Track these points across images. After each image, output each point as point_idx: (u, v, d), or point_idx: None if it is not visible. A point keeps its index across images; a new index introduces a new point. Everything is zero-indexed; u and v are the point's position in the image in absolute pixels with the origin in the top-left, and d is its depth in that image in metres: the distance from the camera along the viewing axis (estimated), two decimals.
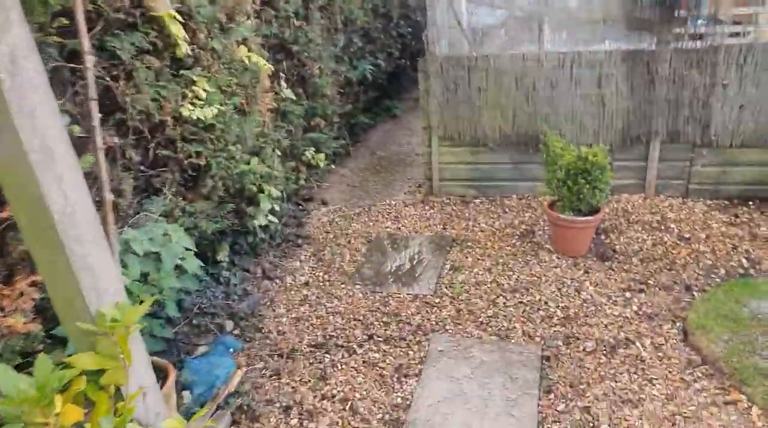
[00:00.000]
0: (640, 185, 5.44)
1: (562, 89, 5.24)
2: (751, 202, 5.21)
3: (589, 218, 4.58)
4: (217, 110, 3.63)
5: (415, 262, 4.93)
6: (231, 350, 3.97)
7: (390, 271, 4.83)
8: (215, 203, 4.02)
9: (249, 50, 4.09)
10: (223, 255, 4.55)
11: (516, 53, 5.27)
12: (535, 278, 4.56)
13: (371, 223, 5.66)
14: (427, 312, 4.28)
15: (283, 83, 4.91)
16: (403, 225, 5.58)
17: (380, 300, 4.47)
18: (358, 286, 4.66)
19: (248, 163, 4.17)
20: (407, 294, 4.52)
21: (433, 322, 4.16)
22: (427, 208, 5.87)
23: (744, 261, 4.51)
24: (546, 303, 4.27)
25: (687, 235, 4.87)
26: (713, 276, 4.39)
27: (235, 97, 3.92)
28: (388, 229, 5.53)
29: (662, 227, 5.03)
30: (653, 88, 5.01)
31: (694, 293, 4.23)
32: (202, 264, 3.74)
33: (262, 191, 4.37)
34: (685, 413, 3.27)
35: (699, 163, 5.19)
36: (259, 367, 3.89)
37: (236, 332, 4.19)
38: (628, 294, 4.28)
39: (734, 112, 4.89)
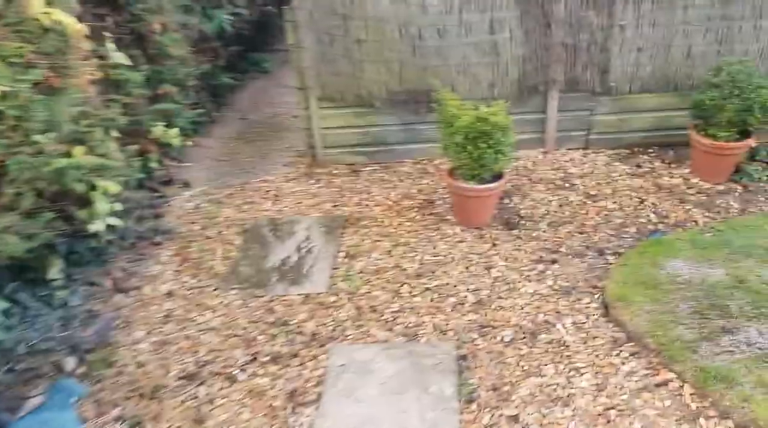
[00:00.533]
0: (540, 139, 5.04)
1: (452, 37, 4.62)
2: (650, 150, 4.99)
3: (493, 185, 4.08)
4: (1, 92, 2.60)
5: (303, 253, 4.21)
6: (73, 398, 3.07)
7: (273, 267, 4.09)
8: (25, 214, 3.02)
9: (49, 4, 3.02)
10: (55, 272, 3.56)
11: None
12: (441, 257, 4.03)
13: (246, 207, 4.82)
14: (322, 315, 3.62)
15: (110, 45, 3.85)
16: (285, 207, 4.80)
17: (264, 307, 3.73)
18: (234, 291, 3.88)
19: (68, 156, 3.17)
20: (296, 294, 3.81)
21: (330, 328, 3.51)
22: (312, 182, 5.11)
23: (652, 215, 4.26)
24: (455, 286, 3.76)
25: (593, 192, 4.55)
26: (624, 236, 4.10)
27: (34, 71, 2.89)
28: (267, 213, 4.73)
29: (566, 184, 4.68)
30: (549, 32, 4.52)
31: (608, 257, 3.92)
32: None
33: (94, 188, 3.40)
34: (618, 405, 2.92)
35: (599, 111, 4.85)
36: (114, 416, 3.05)
37: (81, 371, 3.29)
38: (540, 267, 3.88)
39: (632, 56, 4.55)
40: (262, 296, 3.82)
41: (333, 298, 3.75)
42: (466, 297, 3.67)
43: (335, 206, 4.72)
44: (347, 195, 4.86)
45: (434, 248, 4.12)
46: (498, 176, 4.13)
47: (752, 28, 4.35)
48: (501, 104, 3.92)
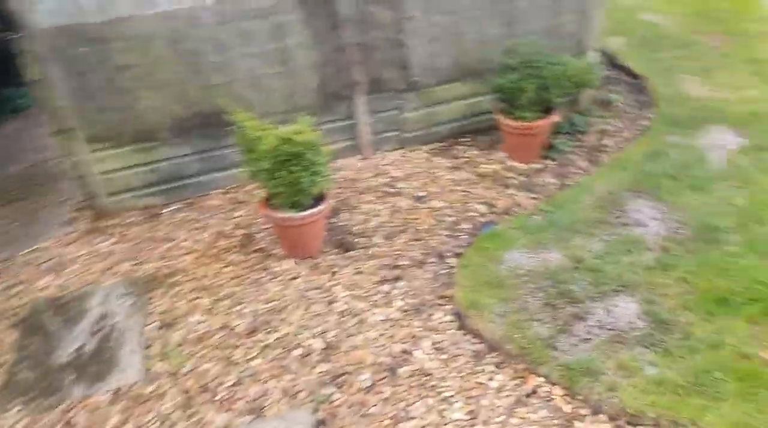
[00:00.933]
0: (356, 146, 4.70)
1: (234, 50, 4.04)
2: (465, 139, 4.92)
3: (317, 210, 3.63)
4: None
5: (102, 334, 3.38)
6: None
7: (66, 363, 3.21)
8: None
9: None
10: None
11: (160, 12, 3.82)
12: (275, 303, 3.49)
13: (16, 290, 3.79)
14: (140, 413, 2.88)
15: None
16: (70, 278, 3.86)
17: (61, 421, 2.88)
18: (17, 409, 2.96)
19: None
20: (103, 393, 3.01)
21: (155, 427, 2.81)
22: (101, 239, 4.20)
23: (481, 207, 4.14)
24: (298, 335, 3.26)
25: (421, 193, 4.33)
26: (460, 234, 3.92)
27: None
28: (46, 292, 3.76)
29: (393, 189, 4.40)
30: (339, 33, 4.16)
31: (450, 260, 3.71)
32: None
33: None
34: None
35: (408, 108, 4.64)
36: None
37: None
38: (386, 288, 3.53)
39: (428, 48, 4.39)
40: (57, 406, 2.96)
41: (151, 387, 3.02)
42: (312, 345, 3.19)
43: (135, 265, 3.91)
44: (148, 247, 4.06)
45: (265, 293, 3.56)
46: (320, 198, 3.69)
47: (535, 7, 4.43)
48: (305, 120, 3.46)
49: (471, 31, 4.42)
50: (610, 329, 3.07)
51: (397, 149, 4.82)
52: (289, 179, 3.41)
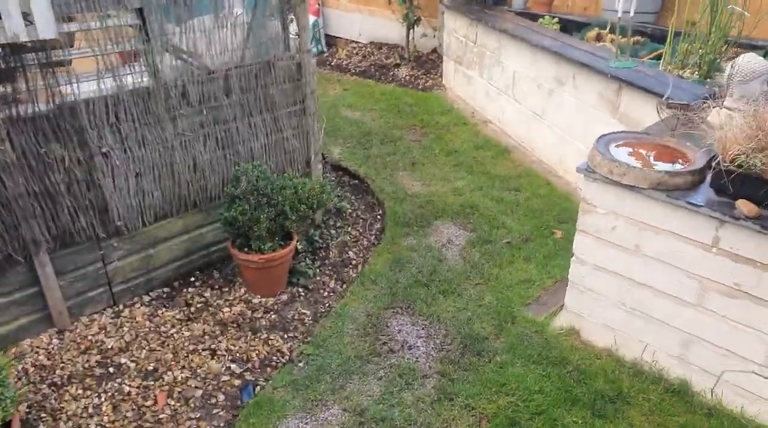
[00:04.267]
0: (46, 318, 3.51)
1: None
2: (193, 278, 4.12)
3: None
4: None
5: None
6: None
7: None
8: None
9: None
10: None
11: None
12: None
13: None
14: None
15: None
16: None
17: None
18: None
19: None
20: None
21: None
22: None
23: (233, 365, 3.40)
24: None
25: (151, 366, 3.37)
26: (216, 411, 3.11)
27: None
28: None
29: (110, 369, 3.34)
30: (2, 183, 3.06)
31: None
32: None
33: None
34: None
35: (114, 258, 3.67)
36: None
37: None
38: None
39: (132, 184, 3.55)
40: None
41: None
42: None
43: None
44: None
45: None
46: None
47: (247, 126, 3.98)
48: None
49: (183, 159, 3.74)
50: None
51: (108, 309, 3.77)
52: None
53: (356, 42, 9.50)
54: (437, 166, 5.83)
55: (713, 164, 2.70)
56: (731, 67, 3.77)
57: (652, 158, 3.06)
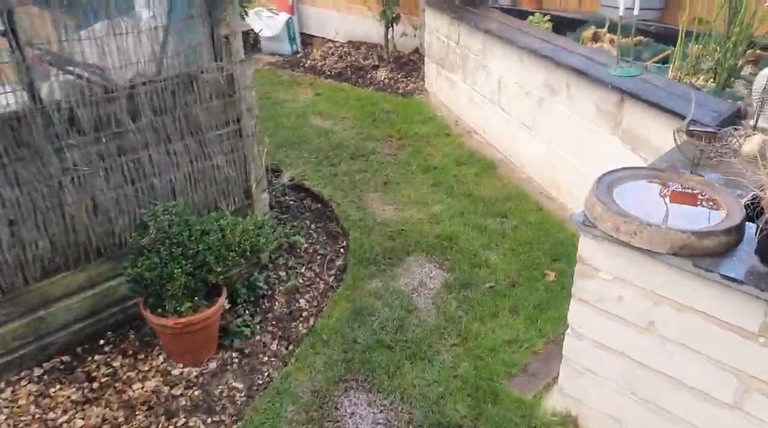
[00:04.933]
0: None
1: None
2: (102, 341, 3.34)
3: None
4: None
5: None
6: None
7: None
8: None
9: None
10: None
11: None
12: None
13: None
14: None
15: None
16: None
17: None
18: None
19: None
20: None
21: None
22: None
23: None
24: None
25: None
26: None
27: None
28: None
29: None
30: None
31: None
32: None
33: None
34: None
35: None
36: None
37: None
38: None
39: (4, 234, 2.79)
40: None
41: None
42: None
43: None
44: None
45: None
46: None
47: (165, 154, 3.22)
48: None
49: (78, 200, 2.98)
50: None
51: None
52: None
53: (333, 41, 8.71)
54: (413, 186, 5.08)
55: (759, 222, 1.96)
56: (762, 77, 3.02)
57: (669, 207, 2.31)
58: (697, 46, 4.21)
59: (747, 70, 4.01)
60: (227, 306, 3.46)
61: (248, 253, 3.22)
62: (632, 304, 2.30)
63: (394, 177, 5.22)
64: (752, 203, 2.24)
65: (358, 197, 4.90)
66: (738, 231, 2.08)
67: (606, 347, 2.47)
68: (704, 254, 2.04)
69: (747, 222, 2.12)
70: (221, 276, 3.15)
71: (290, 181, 4.72)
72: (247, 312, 3.61)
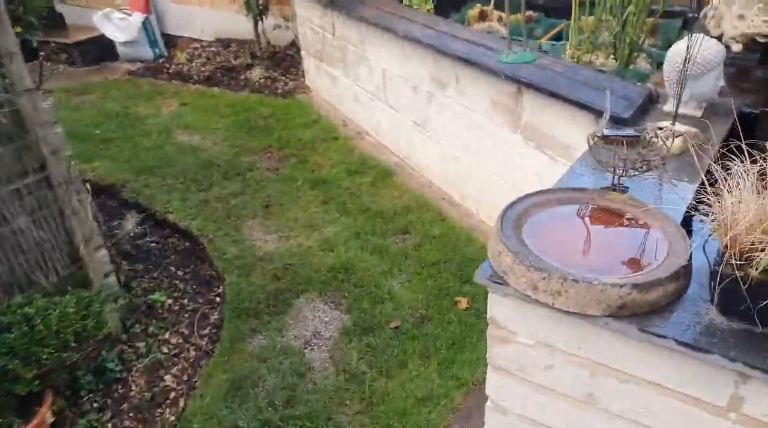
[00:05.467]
0: None
1: None
2: None
3: None
4: None
5: None
6: None
7: None
8: None
9: None
10: None
11: None
12: None
13: None
14: None
15: None
16: None
17: None
18: None
19: None
20: None
21: None
22: None
23: None
24: None
25: None
26: None
27: None
28: None
29: None
30: None
31: None
32: None
33: None
34: None
35: None
36: None
37: None
38: None
39: None
40: None
41: None
42: None
43: None
44: None
45: None
46: None
47: None
48: None
49: None
50: None
51: None
52: None
53: (200, 40, 7.78)
54: (300, 206, 4.40)
55: (716, 266, 1.47)
56: (675, 54, 2.58)
57: (594, 242, 1.80)
58: (591, 18, 3.81)
59: (647, 43, 3.65)
60: (62, 406, 2.67)
61: (73, 344, 2.43)
62: (565, 374, 1.77)
63: (277, 197, 4.52)
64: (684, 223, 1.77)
65: (234, 228, 4.16)
66: (687, 273, 1.59)
67: (537, 422, 1.95)
68: (650, 310, 1.54)
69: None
70: (36, 383, 2.35)
71: (136, 227, 3.87)
72: (95, 404, 2.82)
